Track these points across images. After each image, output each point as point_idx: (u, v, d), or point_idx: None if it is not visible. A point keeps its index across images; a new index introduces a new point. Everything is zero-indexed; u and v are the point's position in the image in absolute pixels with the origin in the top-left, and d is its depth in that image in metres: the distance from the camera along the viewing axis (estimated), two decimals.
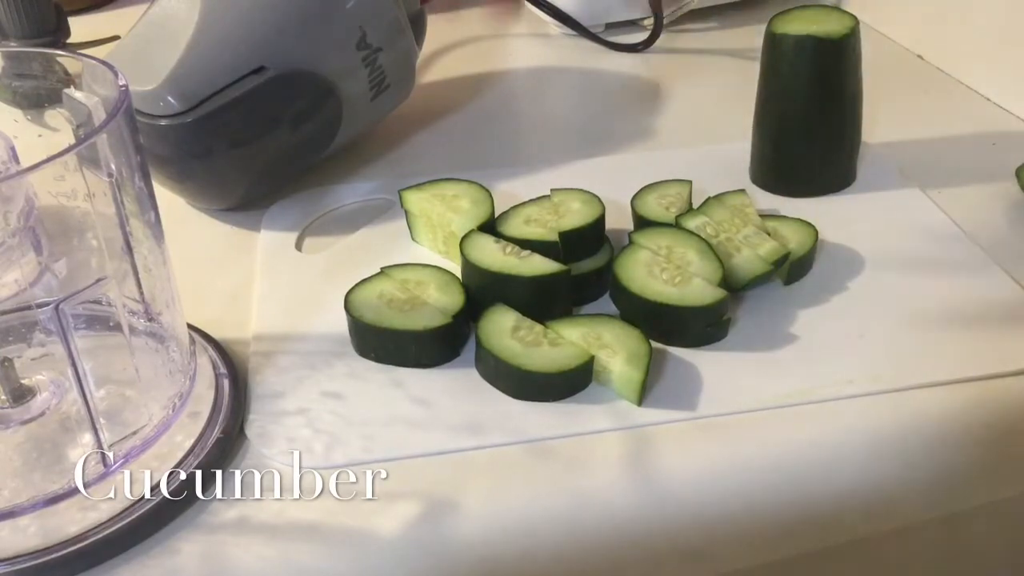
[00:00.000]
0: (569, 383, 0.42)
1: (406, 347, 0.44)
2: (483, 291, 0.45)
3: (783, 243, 0.48)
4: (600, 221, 0.49)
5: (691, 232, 0.47)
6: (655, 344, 0.44)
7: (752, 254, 0.47)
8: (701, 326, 0.44)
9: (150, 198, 0.39)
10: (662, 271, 0.45)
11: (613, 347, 0.42)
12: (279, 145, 0.56)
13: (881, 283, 0.48)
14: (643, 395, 0.41)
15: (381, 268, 0.48)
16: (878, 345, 0.44)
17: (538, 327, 0.43)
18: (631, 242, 0.47)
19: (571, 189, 0.51)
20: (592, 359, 0.42)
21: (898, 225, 0.52)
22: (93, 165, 0.35)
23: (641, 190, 0.52)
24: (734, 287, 0.46)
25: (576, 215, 0.49)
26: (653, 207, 0.51)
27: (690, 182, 0.53)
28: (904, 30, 0.76)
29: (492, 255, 0.46)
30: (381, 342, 0.44)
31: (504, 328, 0.43)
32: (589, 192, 0.51)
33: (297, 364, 0.45)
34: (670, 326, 0.44)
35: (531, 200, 0.52)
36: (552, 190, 0.51)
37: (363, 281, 0.47)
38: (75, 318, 0.35)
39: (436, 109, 0.69)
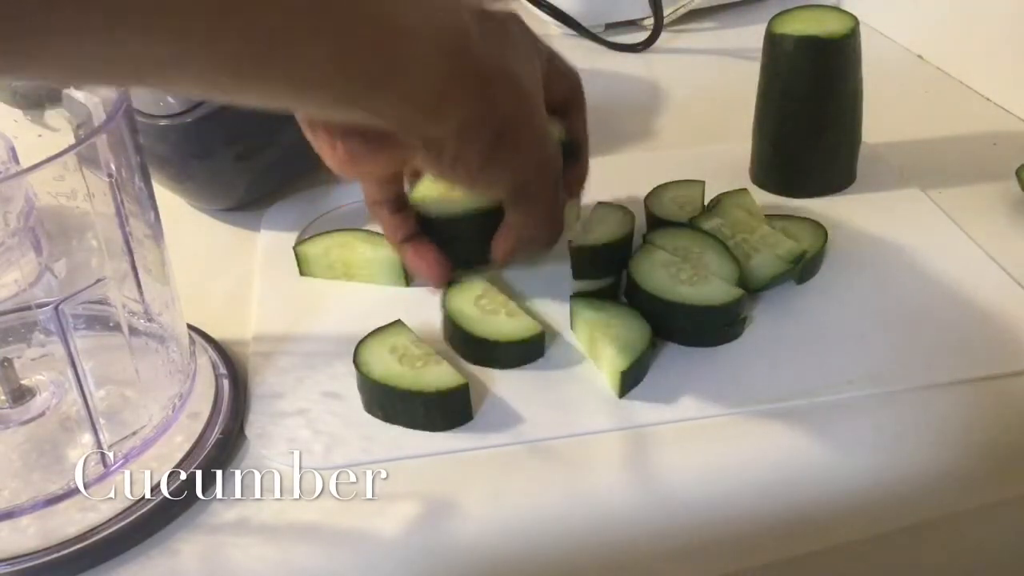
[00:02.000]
0: (517, 353, 0.44)
1: (415, 409, 0.41)
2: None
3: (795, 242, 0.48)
4: (612, 246, 0.47)
5: (707, 233, 0.47)
6: (671, 343, 0.44)
7: (770, 254, 0.47)
8: (719, 325, 0.44)
9: (150, 198, 0.39)
10: (678, 271, 0.45)
11: (614, 335, 0.42)
12: (279, 145, 0.56)
13: (881, 283, 0.48)
14: (624, 388, 0.41)
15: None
16: (878, 345, 0.44)
17: (501, 296, 0.46)
18: (646, 242, 0.47)
19: (614, 205, 0.50)
20: (541, 334, 0.44)
21: (898, 225, 0.52)
22: (93, 165, 0.35)
23: (654, 189, 0.52)
24: (753, 287, 0.46)
25: (597, 233, 0.48)
26: (668, 207, 0.51)
27: (703, 183, 0.53)
28: (904, 30, 0.76)
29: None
30: (390, 401, 0.41)
31: (470, 295, 0.46)
32: (629, 211, 0.50)
33: (297, 364, 0.45)
34: (687, 326, 0.44)
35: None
36: (600, 203, 0.51)
37: (377, 331, 0.44)
38: (75, 318, 0.35)
39: None
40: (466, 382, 0.40)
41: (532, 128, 0.40)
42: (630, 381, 0.42)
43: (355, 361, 0.42)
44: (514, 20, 0.41)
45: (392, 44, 0.33)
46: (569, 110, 0.47)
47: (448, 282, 0.47)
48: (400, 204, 0.47)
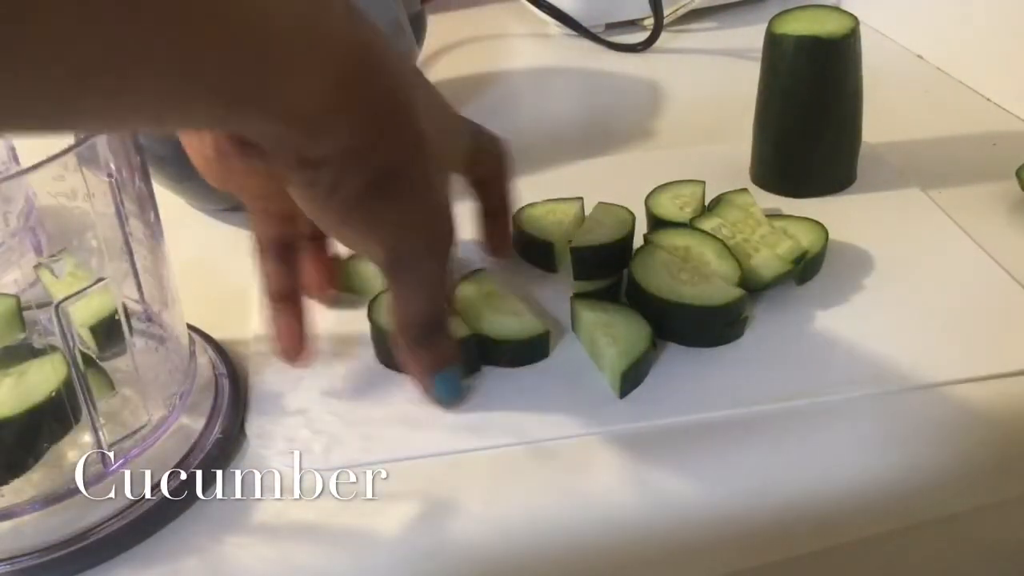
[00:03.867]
0: (521, 352, 0.44)
1: None
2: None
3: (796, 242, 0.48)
4: (612, 246, 0.47)
5: (707, 233, 0.47)
6: (671, 343, 0.44)
7: (771, 254, 0.47)
8: (720, 325, 0.44)
9: (150, 198, 0.39)
10: (679, 271, 0.45)
11: (615, 336, 0.42)
12: None
13: (881, 283, 0.48)
14: (625, 389, 0.41)
15: None
16: (879, 345, 0.44)
17: (509, 296, 0.46)
18: (647, 243, 0.47)
19: (614, 205, 0.50)
20: (546, 334, 0.44)
21: (898, 225, 0.52)
22: (93, 165, 0.35)
23: (655, 190, 0.52)
24: (754, 287, 0.46)
25: (593, 233, 0.48)
26: (668, 207, 0.51)
27: (703, 183, 0.53)
28: (904, 30, 0.76)
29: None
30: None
31: (478, 294, 0.46)
32: (629, 212, 0.50)
33: None
34: (687, 326, 0.44)
35: (564, 199, 0.52)
36: (600, 204, 0.51)
37: None
38: None
39: None
40: (471, 334, 0.42)
41: (426, 182, 0.36)
42: (630, 382, 0.42)
43: (369, 314, 0.44)
44: (422, 76, 0.37)
45: (272, 57, 0.29)
46: (494, 179, 0.44)
47: (296, 359, 0.43)
48: (287, 253, 0.42)
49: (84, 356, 0.36)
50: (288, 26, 0.29)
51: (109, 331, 0.37)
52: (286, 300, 0.42)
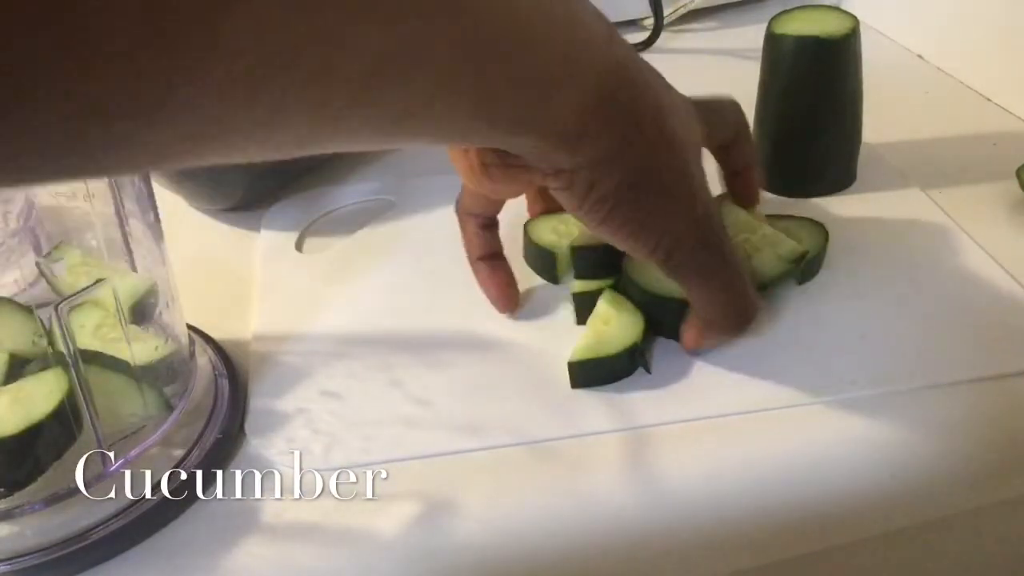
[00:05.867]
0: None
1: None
2: None
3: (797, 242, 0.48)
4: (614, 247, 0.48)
5: None
6: (671, 343, 0.44)
7: (772, 253, 0.47)
8: None
9: (149, 198, 0.39)
10: None
11: (602, 328, 0.43)
12: None
13: (881, 283, 0.48)
14: (573, 379, 0.42)
15: None
16: (879, 345, 0.44)
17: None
18: None
19: None
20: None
21: (898, 225, 0.52)
22: None
23: None
24: (755, 287, 0.46)
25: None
26: None
27: None
28: (904, 30, 0.76)
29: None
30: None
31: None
32: None
33: (297, 364, 0.45)
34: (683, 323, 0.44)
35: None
36: None
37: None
38: None
39: None
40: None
41: (682, 175, 0.37)
42: (579, 376, 0.42)
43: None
44: (661, 77, 0.38)
45: (545, 89, 0.31)
46: (735, 142, 0.46)
47: (505, 308, 0.47)
48: (491, 222, 0.46)
49: (84, 354, 0.36)
50: (560, 52, 0.31)
51: None
52: (491, 259, 0.47)
